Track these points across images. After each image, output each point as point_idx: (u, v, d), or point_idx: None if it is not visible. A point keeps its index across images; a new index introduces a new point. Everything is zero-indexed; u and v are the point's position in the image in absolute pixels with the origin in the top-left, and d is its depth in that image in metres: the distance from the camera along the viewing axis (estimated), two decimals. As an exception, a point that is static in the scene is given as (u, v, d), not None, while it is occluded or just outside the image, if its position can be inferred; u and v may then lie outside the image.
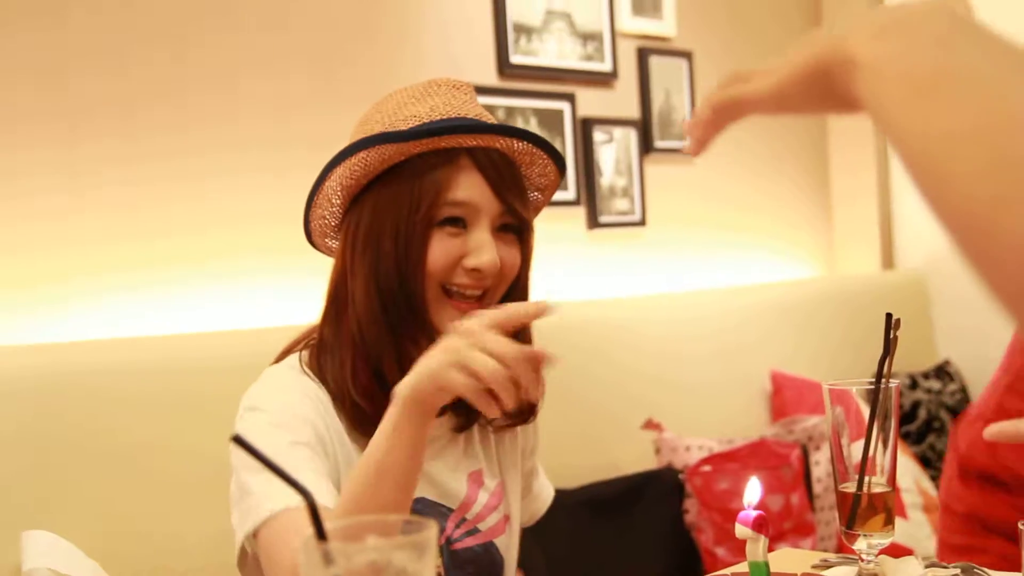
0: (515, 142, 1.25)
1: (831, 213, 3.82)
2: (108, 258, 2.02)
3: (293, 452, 1.16)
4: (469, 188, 1.20)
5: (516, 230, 1.26)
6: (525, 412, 1.34)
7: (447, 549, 1.29)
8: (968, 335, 3.63)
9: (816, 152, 3.77)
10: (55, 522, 1.65)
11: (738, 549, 2.42)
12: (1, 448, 1.65)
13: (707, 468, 2.48)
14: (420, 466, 1.07)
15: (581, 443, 2.50)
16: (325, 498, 1.12)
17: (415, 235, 1.19)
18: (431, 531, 0.71)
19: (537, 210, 1.36)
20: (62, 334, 1.92)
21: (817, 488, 2.69)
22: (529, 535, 1.52)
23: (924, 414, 3.33)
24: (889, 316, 1.29)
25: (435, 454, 1.30)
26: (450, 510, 1.31)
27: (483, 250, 1.20)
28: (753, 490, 1.15)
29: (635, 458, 2.58)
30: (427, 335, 1.20)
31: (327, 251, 1.35)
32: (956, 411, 3.42)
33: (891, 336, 1.29)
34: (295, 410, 1.21)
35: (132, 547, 1.72)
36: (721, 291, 3.17)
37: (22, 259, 1.92)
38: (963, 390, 3.51)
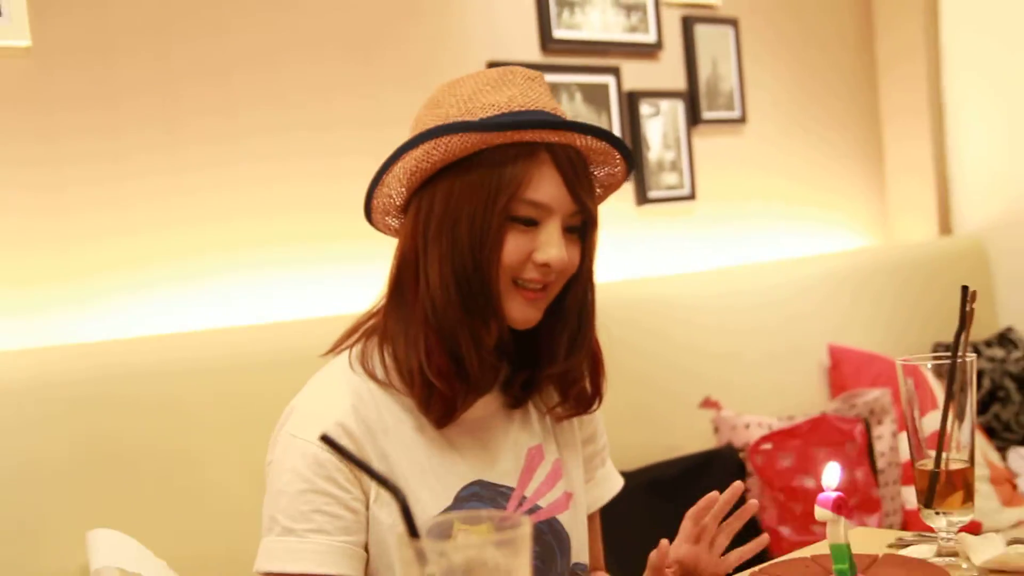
0: (593, 140, 1.27)
1: (884, 179, 3.78)
2: (153, 249, 2.04)
3: (307, 538, 1.20)
4: (547, 187, 1.23)
5: (580, 230, 1.29)
6: (585, 402, 1.37)
7: None
8: (1032, 300, 3.60)
9: (868, 119, 3.74)
10: (121, 522, 1.67)
11: (803, 527, 2.43)
12: (64, 449, 1.68)
13: (768, 446, 2.47)
14: None
15: (639, 422, 2.51)
16: (339, 566, 1.19)
17: (491, 227, 1.22)
18: (525, 527, 0.72)
19: (599, 201, 1.37)
20: (115, 329, 1.95)
21: (880, 463, 2.68)
22: (599, 519, 1.53)
23: (988, 383, 3.30)
24: (965, 289, 1.28)
25: (493, 432, 1.34)
26: (510, 489, 1.33)
27: (552, 246, 1.23)
28: (832, 473, 1.15)
29: (694, 437, 2.58)
30: (497, 320, 1.26)
31: (384, 230, 1.36)
32: (1021, 379, 3.39)
33: (967, 309, 1.29)
34: (314, 484, 1.22)
35: (198, 545, 1.75)
36: (774, 264, 3.16)
37: (72, 253, 1.94)
38: (1028, 357, 3.48)
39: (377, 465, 1.23)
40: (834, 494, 1.11)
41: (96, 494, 1.69)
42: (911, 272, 3.41)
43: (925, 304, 3.37)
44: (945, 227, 3.74)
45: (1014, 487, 2.98)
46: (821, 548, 1.38)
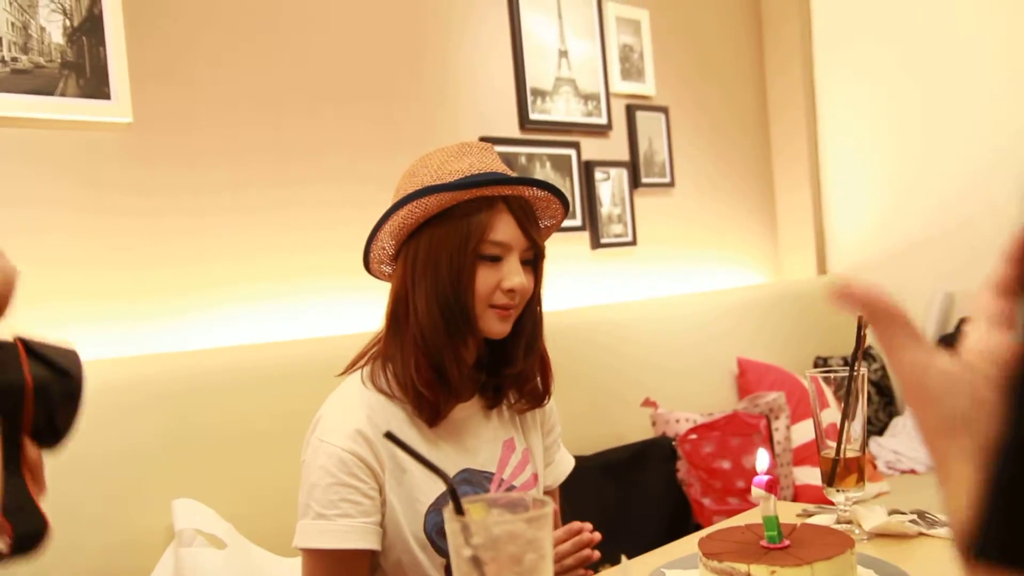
0: (537, 191, 1.28)
1: (776, 233, 3.82)
2: (223, 275, 2.00)
3: (339, 521, 1.19)
4: (506, 230, 1.23)
5: (532, 262, 1.29)
6: (538, 397, 1.36)
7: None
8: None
9: (764, 186, 3.77)
10: (197, 492, 1.64)
11: (720, 499, 2.42)
12: (153, 435, 1.65)
13: (694, 436, 2.47)
14: None
15: (593, 418, 2.49)
16: (361, 541, 1.18)
17: (465, 265, 1.22)
18: (548, 508, 0.71)
19: (545, 238, 1.38)
20: (202, 341, 1.92)
21: (778, 449, 2.68)
22: (558, 494, 1.52)
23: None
24: (860, 318, 1.28)
25: (475, 430, 1.32)
26: (491, 474, 1.32)
27: (515, 274, 1.24)
28: (762, 460, 1.15)
29: (636, 429, 2.57)
30: (474, 337, 1.26)
31: (379, 275, 1.35)
32: (879, 385, 3.42)
33: (861, 334, 1.29)
34: (339, 479, 1.20)
35: (257, 510, 1.72)
36: (696, 295, 3.16)
37: (158, 277, 1.91)
38: (882, 368, 3.51)
39: (387, 461, 1.22)
40: (766, 477, 1.11)
41: (179, 471, 1.66)
42: (797, 303, 3.43)
43: (807, 327, 3.39)
44: (822, 269, 3.78)
45: (875, 467, 3.00)
46: (748, 518, 1.38)
